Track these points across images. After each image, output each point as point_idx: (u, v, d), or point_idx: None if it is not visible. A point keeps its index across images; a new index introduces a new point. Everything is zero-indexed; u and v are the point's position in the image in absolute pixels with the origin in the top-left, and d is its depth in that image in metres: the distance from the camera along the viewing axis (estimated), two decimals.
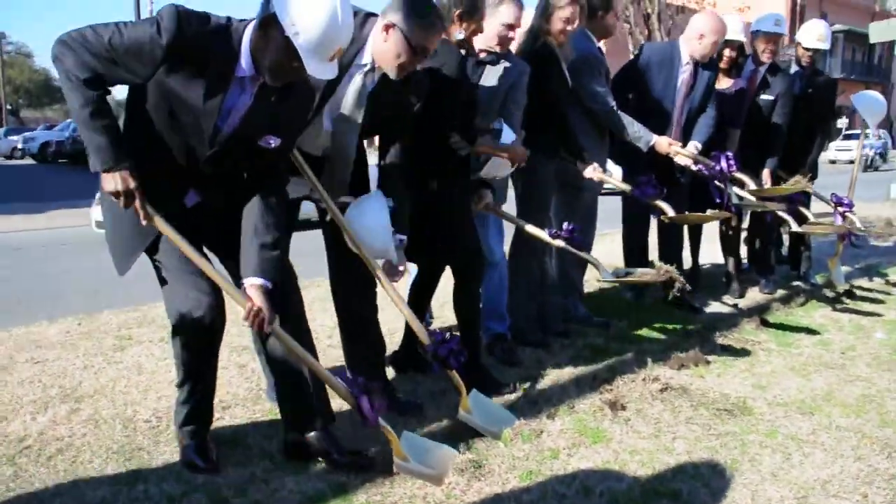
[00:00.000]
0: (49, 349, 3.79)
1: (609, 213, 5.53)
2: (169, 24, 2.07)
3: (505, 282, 3.84)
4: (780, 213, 4.49)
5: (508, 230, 3.88)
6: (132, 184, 2.15)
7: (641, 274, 3.02)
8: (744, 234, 5.69)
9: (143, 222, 2.21)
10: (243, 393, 3.21)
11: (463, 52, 3.30)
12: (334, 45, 2.15)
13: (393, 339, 3.46)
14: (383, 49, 2.60)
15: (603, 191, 4.38)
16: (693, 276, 5.33)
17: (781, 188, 4.45)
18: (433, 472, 2.42)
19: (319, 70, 2.14)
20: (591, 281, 5.43)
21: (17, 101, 52.06)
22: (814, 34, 5.23)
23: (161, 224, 2.24)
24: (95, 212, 8.21)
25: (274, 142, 2.33)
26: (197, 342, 2.41)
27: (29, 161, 28.18)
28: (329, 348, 3.84)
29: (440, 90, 2.96)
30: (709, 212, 4.15)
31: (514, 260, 3.97)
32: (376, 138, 3.00)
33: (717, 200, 4.60)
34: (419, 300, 3.46)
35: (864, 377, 3.61)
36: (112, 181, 2.13)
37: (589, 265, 4.56)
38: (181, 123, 2.22)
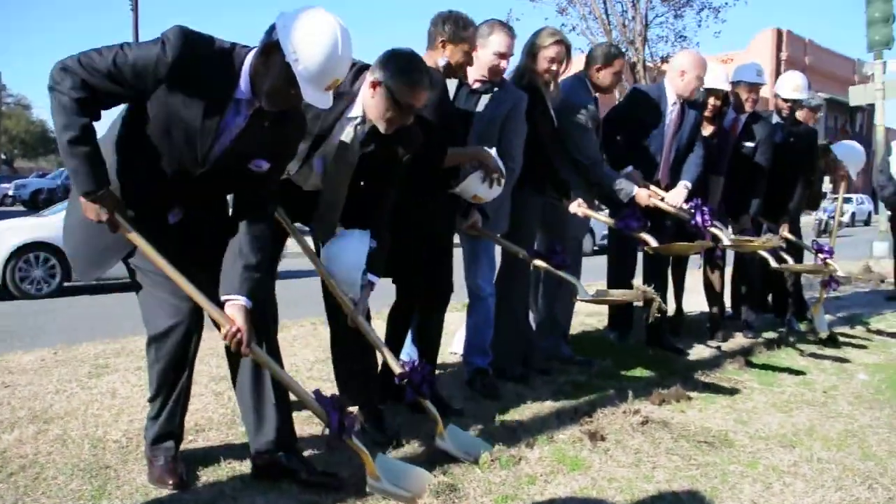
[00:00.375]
0: (21, 374, 3.73)
1: (594, 269, 5.58)
2: (176, 42, 2.13)
3: (491, 317, 3.80)
4: (761, 252, 4.52)
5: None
6: (110, 208, 2.17)
7: (621, 294, 3.00)
8: (728, 281, 5.71)
9: (115, 232, 2.22)
10: (218, 418, 3.15)
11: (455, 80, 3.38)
12: (332, 76, 2.19)
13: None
14: (371, 104, 2.66)
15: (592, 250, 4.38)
16: (677, 321, 5.34)
17: (753, 245, 4.47)
18: (406, 494, 2.36)
19: (315, 98, 2.19)
20: (576, 325, 5.43)
21: (13, 151, 52.29)
22: (790, 85, 5.37)
23: (137, 239, 2.24)
24: None
25: (263, 165, 2.35)
26: (173, 350, 2.37)
27: (20, 208, 28.13)
28: (309, 380, 3.78)
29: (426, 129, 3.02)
30: (696, 242, 4.16)
31: (501, 296, 3.96)
32: None
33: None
34: (397, 328, 3.44)
35: (846, 414, 3.58)
36: (93, 210, 2.17)
37: (574, 306, 4.61)
38: (175, 141, 2.24)
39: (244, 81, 2.23)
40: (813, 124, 5.85)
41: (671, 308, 5.20)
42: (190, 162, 2.28)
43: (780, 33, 37.87)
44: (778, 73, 36.62)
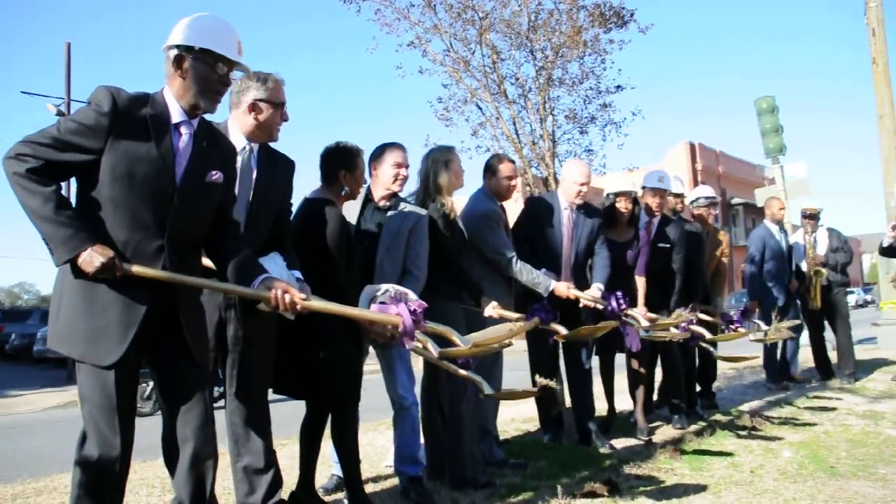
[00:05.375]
0: None
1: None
2: (104, 97, 2.36)
3: (417, 426, 3.84)
4: (693, 328, 4.74)
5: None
6: (110, 252, 2.27)
7: (524, 391, 3.11)
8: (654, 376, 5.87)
9: (117, 277, 2.28)
10: None
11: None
12: (232, 36, 2.53)
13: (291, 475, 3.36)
14: (258, 123, 3.00)
15: None
16: (609, 419, 5.43)
17: (667, 321, 4.68)
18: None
19: (239, 58, 2.53)
20: (512, 430, 5.45)
21: None
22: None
23: (141, 270, 2.33)
24: None
25: (218, 175, 2.57)
26: (98, 479, 2.33)
27: None
28: None
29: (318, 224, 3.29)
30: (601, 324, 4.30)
31: (426, 405, 4.01)
32: None
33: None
34: (311, 438, 3.45)
35: (771, 490, 3.66)
36: (97, 257, 2.24)
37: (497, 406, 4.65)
38: (141, 177, 2.36)
39: (173, 106, 2.48)
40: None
41: (604, 407, 5.30)
42: (163, 189, 2.41)
43: (692, 146, 40.19)
44: (695, 182, 38.78)
